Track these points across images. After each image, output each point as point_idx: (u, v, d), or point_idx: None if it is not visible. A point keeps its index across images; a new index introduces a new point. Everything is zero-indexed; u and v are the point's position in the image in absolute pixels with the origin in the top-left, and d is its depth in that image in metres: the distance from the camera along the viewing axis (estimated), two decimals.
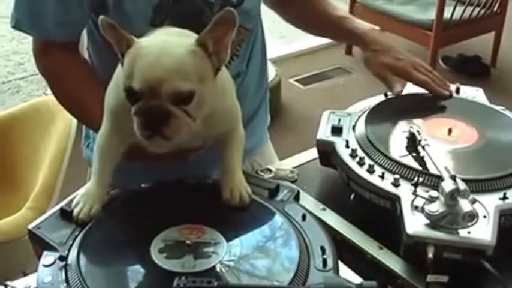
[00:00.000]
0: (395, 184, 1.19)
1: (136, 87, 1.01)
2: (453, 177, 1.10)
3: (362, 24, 1.56)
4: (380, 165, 1.24)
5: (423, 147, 1.25)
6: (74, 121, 2.26)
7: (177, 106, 1.02)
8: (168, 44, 1.06)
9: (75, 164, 1.92)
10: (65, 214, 1.12)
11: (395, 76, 1.49)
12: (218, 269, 1.00)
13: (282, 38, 4.92)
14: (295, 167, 1.44)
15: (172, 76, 1.01)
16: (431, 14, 4.38)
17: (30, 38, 1.38)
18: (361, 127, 1.35)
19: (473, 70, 4.60)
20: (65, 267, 1.00)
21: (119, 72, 1.13)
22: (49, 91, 1.41)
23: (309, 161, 1.46)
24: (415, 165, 1.23)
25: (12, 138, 2.49)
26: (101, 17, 1.04)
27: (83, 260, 1.01)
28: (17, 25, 1.33)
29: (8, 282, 1.04)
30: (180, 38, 1.10)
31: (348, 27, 1.56)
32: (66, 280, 0.98)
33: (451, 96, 1.49)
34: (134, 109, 1.03)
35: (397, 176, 1.19)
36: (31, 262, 1.11)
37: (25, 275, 1.09)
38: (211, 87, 1.07)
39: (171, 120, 1.02)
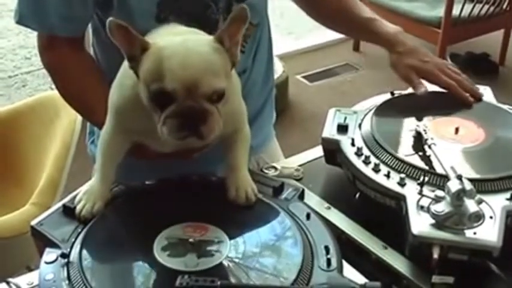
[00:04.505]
0: (401, 183, 1.18)
1: (170, 89, 0.99)
2: (459, 177, 1.09)
3: (389, 27, 1.55)
4: (386, 164, 1.23)
5: (429, 146, 1.24)
6: (79, 117, 2.24)
7: (212, 104, 1.02)
8: (190, 43, 1.05)
9: (80, 159, 1.92)
10: (68, 211, 1.12)
11: (421, 78, 1.47)
12: (221, 268, 0.99)
13: (289, 34, 4.91)
14: (300, 165, 1.43)
15: (206, 74, 1.00)
16: (439, 11, 4.37)
17: (36, 32, 1.37)
18: (367, 125, 1.34)
19: (481, 68, 4.57)
20: (67, 264, 1.00)
21: (123, 71, 1.12)
22: None
23: (315, 159, 1.45)
24: (421, 164, 1.22)
25: (17, 133, 2.48)
26: (110, 18, 1.01)
27: (85, 258, 1.00)
28: (20, 20, 1.32)
29: (11, 279, 1.04)
30: (195, 35, 1.10)
31: (375, 29, 1.54)
32: (68, 277, 0.97)
33: (480, 100, 1.47)
34: (167, 113, 1.01)
35: (402, 175, 1.18)
36: (35, 257, 1.10)
37: (30, 270, 1.08)
38: (231, 83, 1.07)
39: (209, 118, 1.02)
